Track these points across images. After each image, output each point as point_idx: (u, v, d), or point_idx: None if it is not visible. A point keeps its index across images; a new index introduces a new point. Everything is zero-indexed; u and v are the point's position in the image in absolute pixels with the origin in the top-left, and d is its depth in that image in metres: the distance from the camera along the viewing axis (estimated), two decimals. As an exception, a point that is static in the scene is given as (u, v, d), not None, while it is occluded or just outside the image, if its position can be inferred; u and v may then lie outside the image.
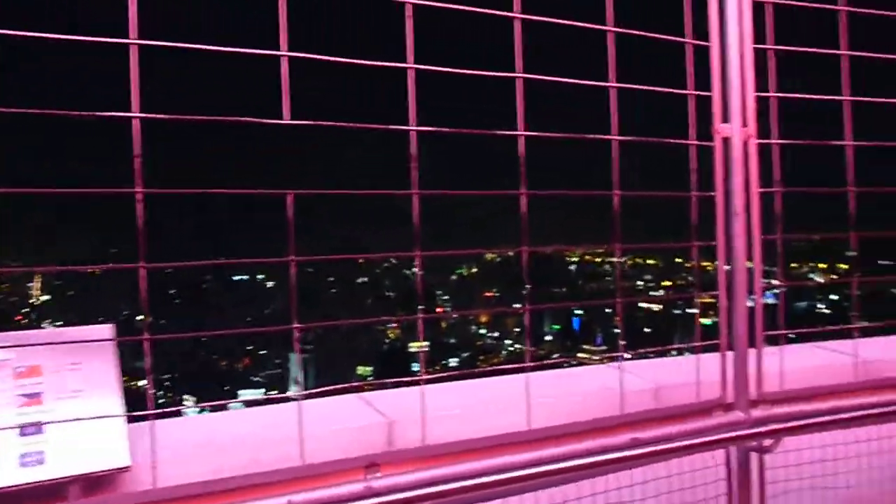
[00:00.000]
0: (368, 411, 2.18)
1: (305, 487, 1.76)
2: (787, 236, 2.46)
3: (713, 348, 2.43)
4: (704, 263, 2.47)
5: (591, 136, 2.23)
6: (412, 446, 2.06)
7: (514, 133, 2.06)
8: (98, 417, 1.67)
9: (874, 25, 2.66)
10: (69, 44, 1.61)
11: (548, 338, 40.95)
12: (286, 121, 1.75)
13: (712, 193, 2.37)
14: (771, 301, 2.61)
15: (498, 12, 2.06)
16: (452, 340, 41.23)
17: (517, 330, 40.13)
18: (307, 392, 2.07)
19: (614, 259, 2.45)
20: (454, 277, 43.04)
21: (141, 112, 1.64)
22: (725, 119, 2.37)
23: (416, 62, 1.92)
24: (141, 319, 1.72)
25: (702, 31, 2.36)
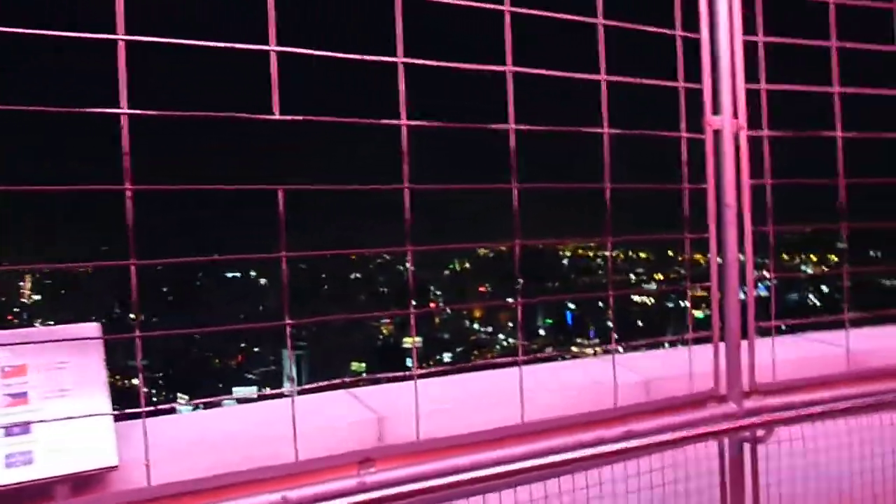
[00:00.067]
0: (362, 407, 2.18)
1: (300, 483, 1.76)
2: (779, 228, 2.46)
3: (705, 340, 2.44)
4: (696, 256, 2.48)
5: (582, 129, 2.23)
6: (406, 441, 2.06)
7: (505, 127, 2.05)
8: (86, 416, 1.66)
9: (863, 17, 2.67)
10: (58, 42, 1.60)
11: (541, 332, 41.05)
12: (276, 116, 1.74)
13: (703, 186, 2.37)
14: (763, 293, 2.62)
15: (488, 6, 2.06)
16: (446, 336, 41.29)
17: (510, 325, 40.23)
18: (301, 388, 2.07)
19: (607, 253, 2.45)
20: (447, 273, 43.07)
21: (129, 109, 1.62)
22: (716, 111, 2.37)
23: (406, 56, 1.91)
24: (133, 319, 1.71)
25: (692, 23, 2.36)
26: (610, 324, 2.56)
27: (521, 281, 2.30)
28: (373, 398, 2.29)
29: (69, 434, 1.64)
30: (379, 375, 2.21)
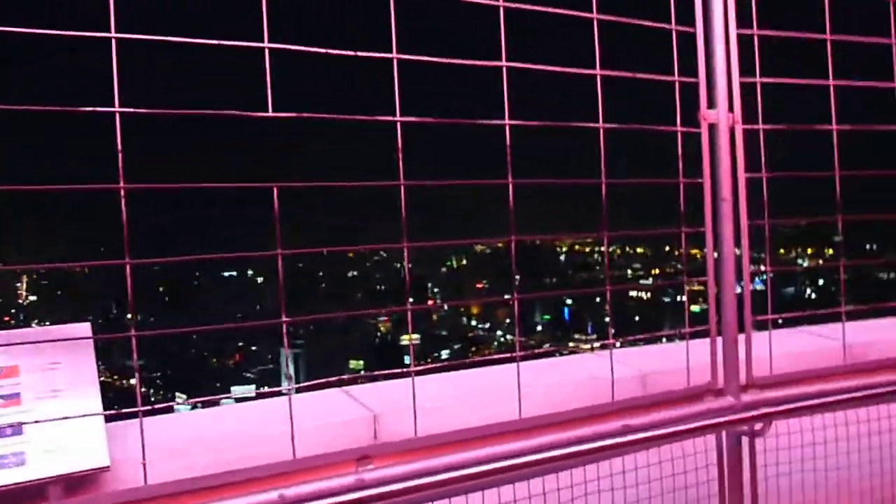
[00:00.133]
0: (359, 404, 2.17)
1: (297, 481, 1.75)
2: (775, 221, 2.46)
3: (703, 334, 2.44)
4: (693, 251, 2.48)
5: (578, 124, 2.22)
6: (403, 438, 2.06)
7: (500, 122, 2.05)
8: (79, 417, 1.65)
9: (858, 10, 2.67)
10: (54, 42, 1.59)
11: (539, 328, 41.11)
12: (270, 114, 1.73)
13: (699, 180, 2.37)
14: (759, 287, 2.62)
15: (483, 1, 2.05)
16: (444, 332, 41.32)
17: (508, 321, 40.25)
18: (298, 386, 2.06)
19: (603, 248, 2.45)
20: (444, 270, 43.08)
21: (122, 107, 1.61)
22: (711, 105, 2.37)
23: (400, 53, 1.90)
24: (130, 319, 1.70)
25: (687, 18, 2.36)
26: (607, 319, 2.55)
27: (518, 277, 2.30)
28: (370, 395, 2.28)
29: (61, 435, 1.63)
30: (377, 373, 2.20)
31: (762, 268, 2.55)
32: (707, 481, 2.42)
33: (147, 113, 1.66)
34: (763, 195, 2.43)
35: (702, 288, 2.45)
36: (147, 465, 1.72)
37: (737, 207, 2.39)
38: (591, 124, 2.21)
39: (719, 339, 2.42)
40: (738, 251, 2.41)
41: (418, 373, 2.09)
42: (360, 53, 1.89)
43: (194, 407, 2.27)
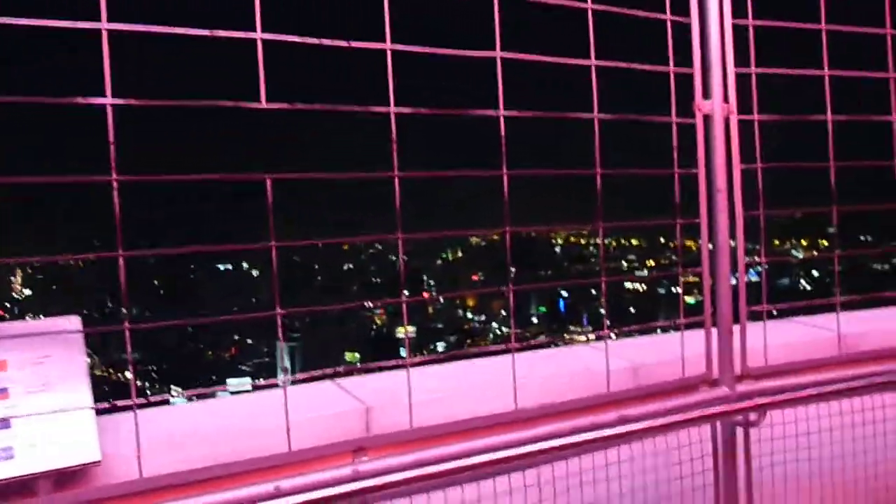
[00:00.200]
0: (355, 396, 2.17)
1: (293, 473, 1.75)
2: (770, 212, 2.46)
3: (698, 325, 2.44)
4: (688, 242, 2.48)
5: (572, 114, 2.22)
6: (399, 430, 2.05)
7: (495, 113, 2.04)
8: (70, 410, 1.63)
9: (852, 1, 2.66)
10: (46, 35, 1.57)
11: (534, 320, 41.17)
12: (263, 105, 1.72)
13: (694, 171, 2.37)
14: (754, 278, 2.62)
15: (476, -9, 2.04)
16: (439, 325, 41.36)
17: (503, 313, 40.31)
18: (294, 378, 2.06)
19: (599, 240, 2.45)
20: (439, 262, 43.08)
21: (114, 98, 1.60)
22: (706, 95, 2.37)
23: (394, 43, 1.89)
24: (125, 313, 1.69)
25: (682, 8, 2.35)
26: (602, 311, 2.55)
27: (513, 269, 2.30)
28: (366, 388, 2.28)
29: (50, 429, 1.62)
30: (372, 365, 2.20)
31: (757, 259, 2.55)
32: (702, 471, 2.42)
33: (139, 104, 1.64)
34: (758, 186, 2.44)
35: (697, 279, 2.46)
36: (142, 458, 1.71)
37: (732, 198, 2.39)
38: (586, 115, 2.21)
39: (714, 330, 2.42)
40: (732, 242, 2.41)
41: (414, 365, 2.09)
42: (353, 44, 1.88)
43: (190, 399, 2.27)
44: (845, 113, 2.59)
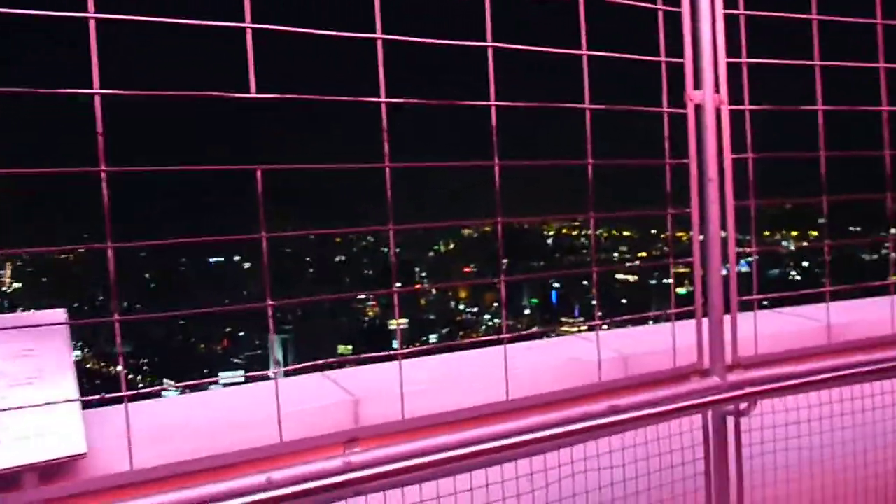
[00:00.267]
0: (347, 388, 2.17)
1: (285, 464, 1.75)
2: (760, 202, 2.47)
3: (689, 316, 2.45)
4: (679, 234, 2.49)
5: (564, 104, 2.21)
6: (391, 421, 2.06)
7: (486, 104, 2.04)
8: (57, 402, 1.62)
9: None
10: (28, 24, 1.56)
11: (526, 311, 41.24)
12: (252, 95, 1.71)
13: (686, 161, 2.37)
14: (745, 269, 2.63)
15: (467, -19, 2.03)
16: (432, 317, 41.35)
17: (496, 305, 40.36)
18: (286, 369, 2.06)
19: (590, 231, 2.45)
20: (432, 254, 43.06)
21: (102, 89, 1.59)
22: (697, 86, 2.37)
23: (385, 33, 1.88)
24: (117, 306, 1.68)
25: (673, -3, 2.35)
26: (594, 302, 2.56)
27: (505, 261, 2.29)
28: (357, 379, 2.28)
29: (36, 422, 1.60)
30: (364, 356, 2.20)
31: (748, 249, 2.56)
32: (693, 460, 2.44)
33: (127, 94, 1.63)
34: (749, 176, 2.44)
35: (688, 270, 2.46)
36: (132, 450, 1.71)
37: (723, 188, 2.39)
38: (578, 105, 2.20)
39: (705, 321, 2.43)
40: (723, 233, 2.42)
41: (405, 356, 2.09)
42: (344, 34, 1.87)
43: (182, 392, 2.26)
44: (836, 102, 2.60)
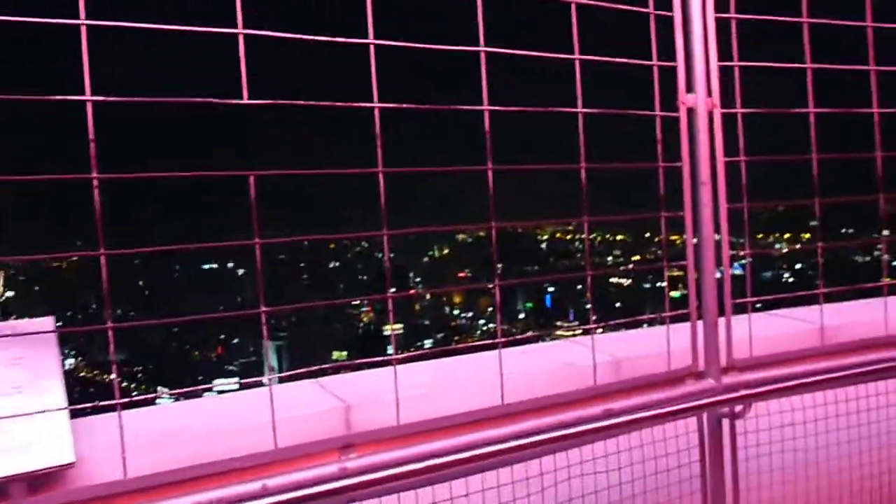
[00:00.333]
0: (342, 394, 2.16)
1: (280, 471, 1.74)
2: (753, 205, 2.48)
3: (683, 318, 2.46)
4: (673, 237, 2.49)
5: (556, 108, 2.22)
6: (386, 426, 2.05)
7: (479, 108, 2.04)
8: (45, 411, 1.61)
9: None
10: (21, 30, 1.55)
11: (521, 316, 41.27)
12: (245, 101, 1.71)
13: (679, 164, 2.38)
14: (738, 271, 2.64)
15: (459, -15, 2.03)
16: (426, 322, 41.33)
17: (490, 310, 40.37)
18: (280, 376, 2.05)
19: (584, 236, 2.45)
20: (426, 259, 43.04)
21: (93, 95, 1.58)
22: (690, 89, 2.37)
23: (377, 38, 1.88)
24: (110, 313, 1.67)
25: (665, 2, 2.36)
26: (589, 306, 2.56)
27: (499, 265, 2.29)
28: (352, 385, 2.27)
29: (23, 432, 1.58)
30: (359, 361, 2.19)
31: (741, 252, 2.56)
32: (689, 463, 2.44)
33: (119, 101, 1.62)
34: (742, 179, 2.45)
35: (682, 273, 2.47)
36: (125, 458, 1.70)
37: (716, 191, 2.40)
38: (571, 109, 2.21)
39: (700, 323, 2.43)
40: (717, 236, 2.43)
41: (400, 361, 2.08)
42: (336, 39, 1.87)
43: (177, 400, 2.25)
44: (828, 105, 2.61)
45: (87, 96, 1.58)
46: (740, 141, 2.44)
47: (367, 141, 1.89)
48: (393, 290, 2.12)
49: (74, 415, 1.70)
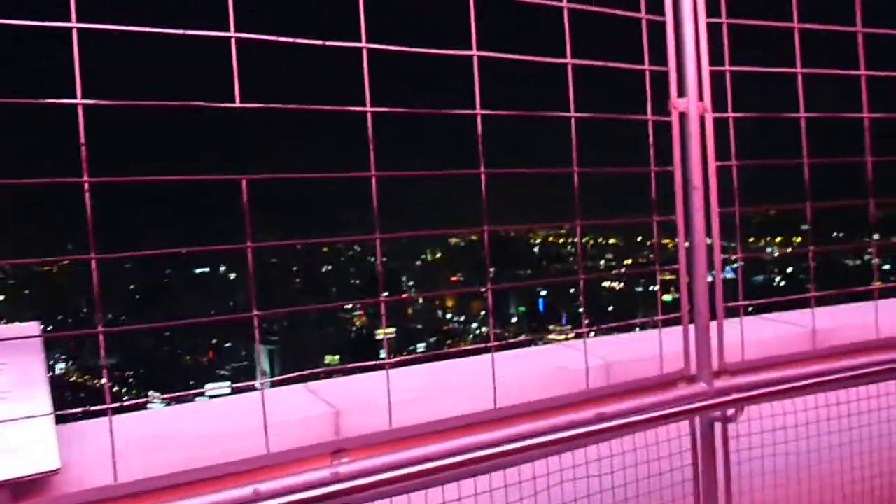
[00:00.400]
0: (334, 398, 2.16)
1: (272, 476, 1.73)
2: (745, 209, 2.49)
3: (675, 322, 2.46)
4: (665, 241, 2.50)
5: (549, 113, 2.22)
6: (379, 430, 2.04)
7: (471, 112, 2.04)
8: (29, 417, 1.59)
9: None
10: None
11: (514, 319, 41.29)
12: (237, 104, 1.70)
13: (670, 168, 2.38)
14: (730, 276, 2.65)
15: (452, -10, 2.04)
16: (419, 326, 41.30)
17: (483, 313, 40.37)
18: (272, 380, 2.04)
19: (576, 239, 2.45)
20: (419, 263, 43.02)
21: (85, 98, 1.58)
22: (681, 94, 2.38)
23: (370, 42, 1.88)
24: (101, 318, 1.66)
25: (656, 6, 2.37)
26: (581, 309, 2.56)
27: (492, 269, 2.29)
28: (344, 389, 2.27)
29: (8, 438, 1.56)
30: (351, 365, 2.18)
31: (733, 256, 2.57)
32: (681, 467, 2.44)
33: (111, 104, 1.62)
34: (733, 183, 2.46)
35: (673, 277, 2.47)
36: (115, 464, 1.69)
37: (707, 196, 2.41)
38: (563, 113, 2.21)
39: (691, 327, 2.44)
40: (709, 240, 2.43)
41: (393, 365, 2.08)
42: (329, 43, 1.87)
43: (168, 404, 2.24)
44: (819, 110, 2.63)
45: (79, 100, 1.57)
46: (732, 145, 2.45)
47: (360, 144, 1.89)
48: (385, 294, 2.11)
49: (65, 420, 1.69)
